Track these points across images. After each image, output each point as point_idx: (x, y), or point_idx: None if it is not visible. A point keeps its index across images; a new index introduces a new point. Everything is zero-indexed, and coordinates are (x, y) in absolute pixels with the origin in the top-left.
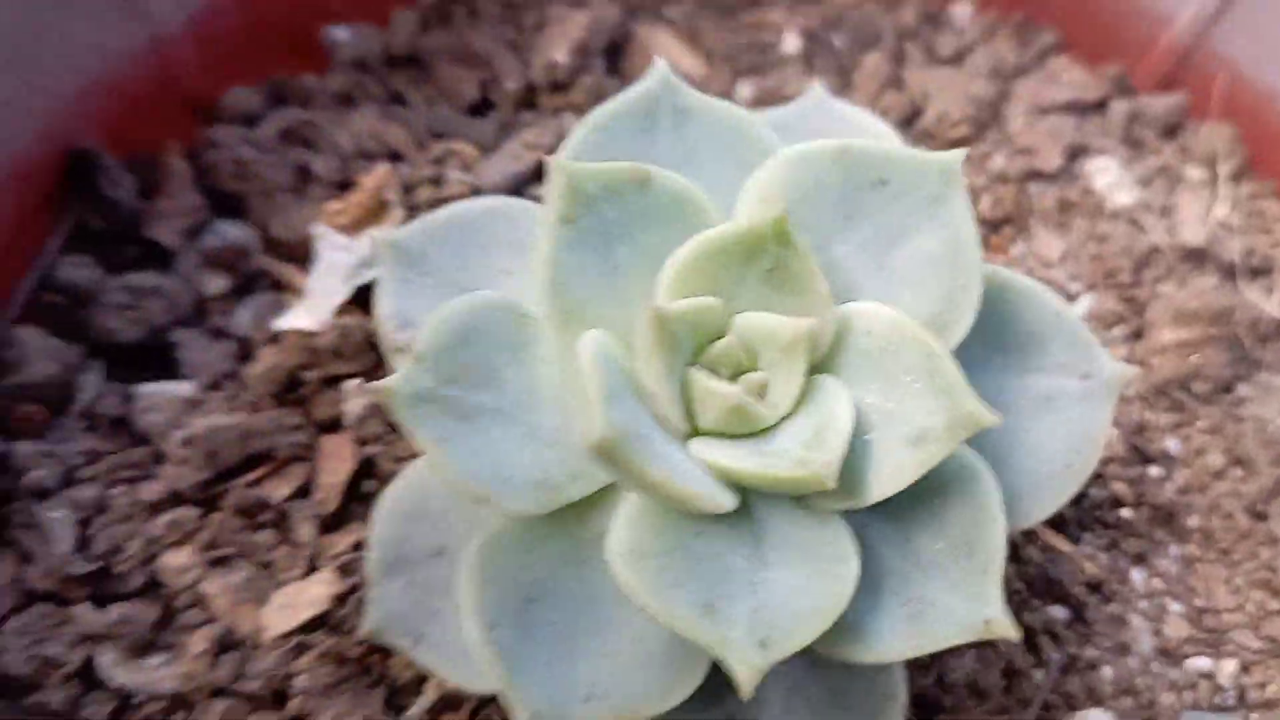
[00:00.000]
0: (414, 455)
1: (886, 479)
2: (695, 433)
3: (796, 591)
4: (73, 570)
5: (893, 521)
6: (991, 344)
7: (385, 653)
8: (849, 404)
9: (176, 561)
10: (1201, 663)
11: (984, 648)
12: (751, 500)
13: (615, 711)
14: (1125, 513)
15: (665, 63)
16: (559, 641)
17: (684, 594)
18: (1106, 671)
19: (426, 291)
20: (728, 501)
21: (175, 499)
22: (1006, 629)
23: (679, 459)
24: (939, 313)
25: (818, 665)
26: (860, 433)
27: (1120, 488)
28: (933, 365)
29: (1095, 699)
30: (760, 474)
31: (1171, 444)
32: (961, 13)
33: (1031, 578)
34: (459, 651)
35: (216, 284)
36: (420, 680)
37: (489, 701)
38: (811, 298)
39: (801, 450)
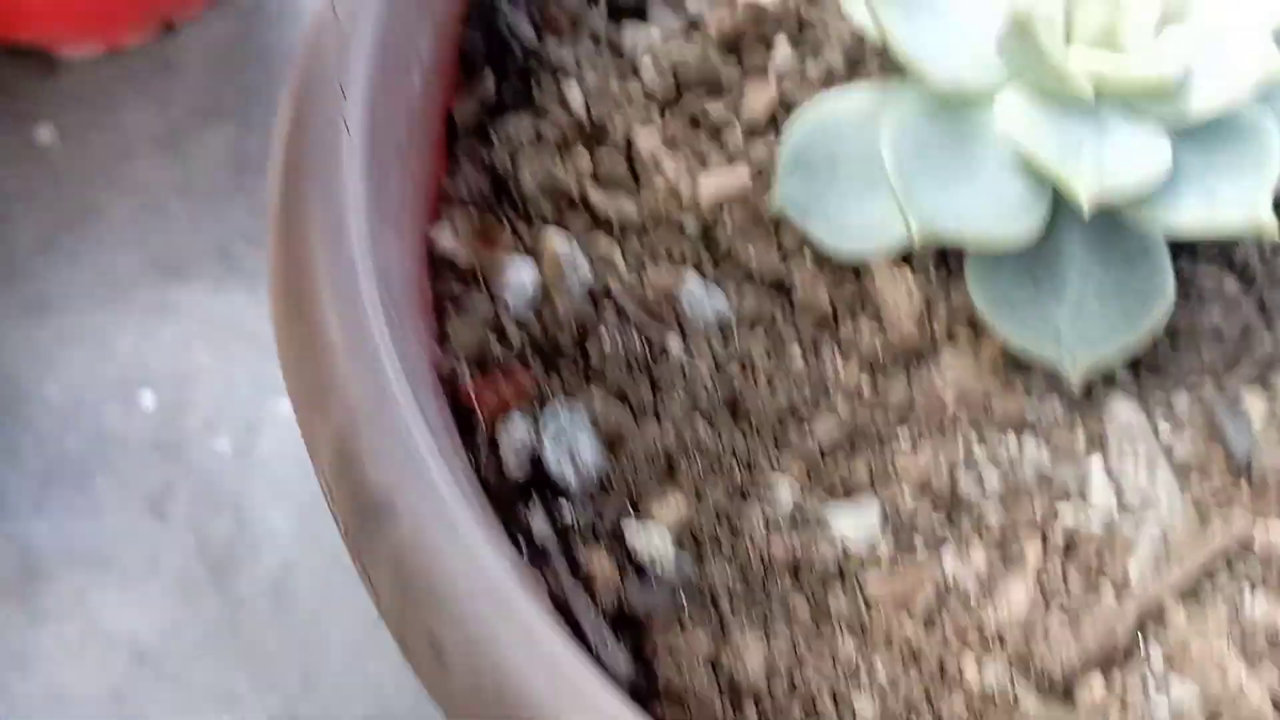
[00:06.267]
0: (815, 97)
1: (1206, 100)
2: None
3: (1128, 158)
4: (579, 121)
5: (1199, 140)
6: None
7: (779, 228)
8: (1187, 46)
9: (645, 135)
10: None
11: (1227, 309)
12: (1100, 102)
13: (975, 232)
14: None
15: None
16: (940, 182)
17: (1050, 145)
18: None
19: None
20: (1090, 94)
21: (647, 96)
22: (1271, 230)
23: (1061, 56)
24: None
25: (1108, 257)
26: (1191, 67)
27: None
28: (1250, 34)
29: None
30: (1122, 76)
31: None
32: None
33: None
34: (833, 224)
35: None
36: (803, 248)
37: (851, 274)
38: None
39: (1150, 66)
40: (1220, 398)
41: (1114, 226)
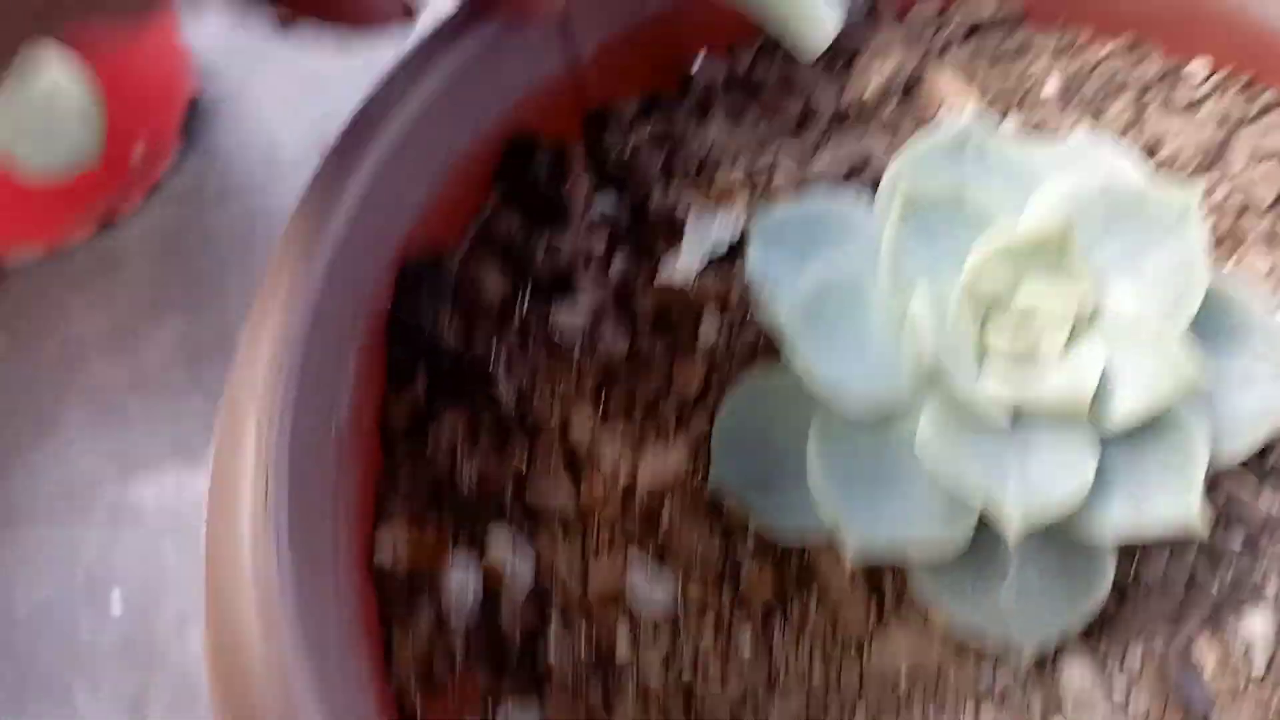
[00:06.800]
0: (745, 373)
1: (1122, 417)
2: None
3: (1050, 480)
4: (513, 414)
5: (1124, 445)
6: (1206, 333)
7: (719, 509)
8: (1099, 358)
9: (579, 423)
10: None
11: (1173, 558)
12: (1020, 419)
13: (908, 547)
14: None
15: (974, 108)
16: (869, 499)
17: (972, 472)
18: (1271, 585)
19: (782, 257)
20: (1004, 419)
21: (579, 381)
22: (1198, 528)
23: (974, 385)
24: (1172, 305)
25: (1046, 547)
26: (1104, 382)
27: None
28: (1163, 341)
29: (1259, 603)
30: (1036, 398)
31: None
32: (1197, 70)
33: (1217, 511)
34: (774, 507)
35: (599, 243)
36: (744, 528)
37: (794, 553)
38: (1077, 285)
39: (1064, 386)
40: (1172, 651)
41: (1043, 541)
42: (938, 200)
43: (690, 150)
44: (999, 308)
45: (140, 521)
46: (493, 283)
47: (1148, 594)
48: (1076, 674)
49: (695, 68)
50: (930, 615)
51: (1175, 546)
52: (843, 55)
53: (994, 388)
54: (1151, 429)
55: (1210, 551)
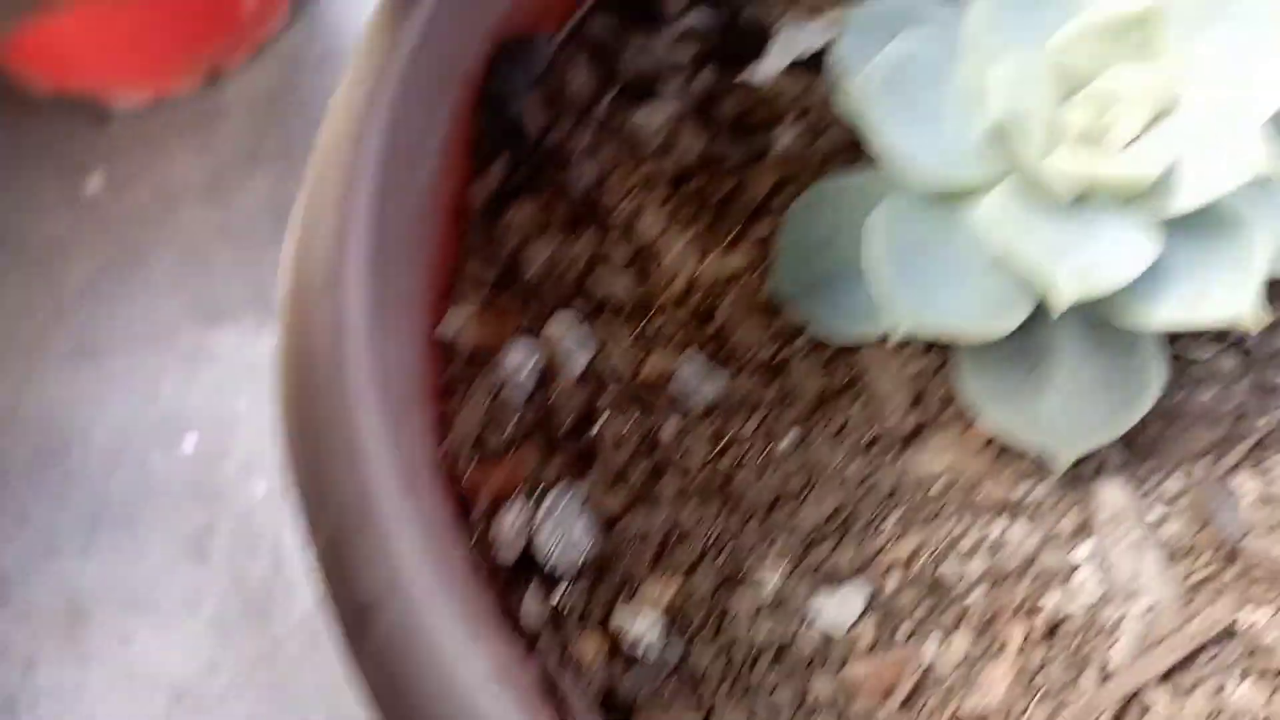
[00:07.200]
0: (815, 181)
1: (1190, 197)
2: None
3: (1107, 259)
4: (585, 205)
5: (1186, 235)
6: None
7: (777, 311)
8: (1172, 143)
9: (649, 218)
10: None
11: (1222, 389)
12: (1084, 200)
13: (957, 325)
14: None
15: None
16: (925, 278)
17: (1031, 249)
18: None
19: (868, 41)
20: (1070, 195)
21: (653, 180)
22: (1250, 324)
23: (1043, 158)
24: (1256, 99)
25: (1096, 350)
26: (1175, 168)
27: None
28: (1239, 128)
29: None
30: (1105, 174)
31: None
32: None
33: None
34: (831, 309)
35: (688, 53)
36: (798, 331)
37: (844, 356)
38: (1162, 71)
39: (1132, 165)
40: (1211, 479)
41: (1101, 319)
42: None
43: None
44: (1080, 86)
45: (217, 366)
46: (581, 76)
47: (1193, 423)
48: (1111, 494)
49: None
50: (972, 427)
51: (1225, 379)
52: None
53: (1062, 161)
54: (1215, 221)
55: (1261, 386)
